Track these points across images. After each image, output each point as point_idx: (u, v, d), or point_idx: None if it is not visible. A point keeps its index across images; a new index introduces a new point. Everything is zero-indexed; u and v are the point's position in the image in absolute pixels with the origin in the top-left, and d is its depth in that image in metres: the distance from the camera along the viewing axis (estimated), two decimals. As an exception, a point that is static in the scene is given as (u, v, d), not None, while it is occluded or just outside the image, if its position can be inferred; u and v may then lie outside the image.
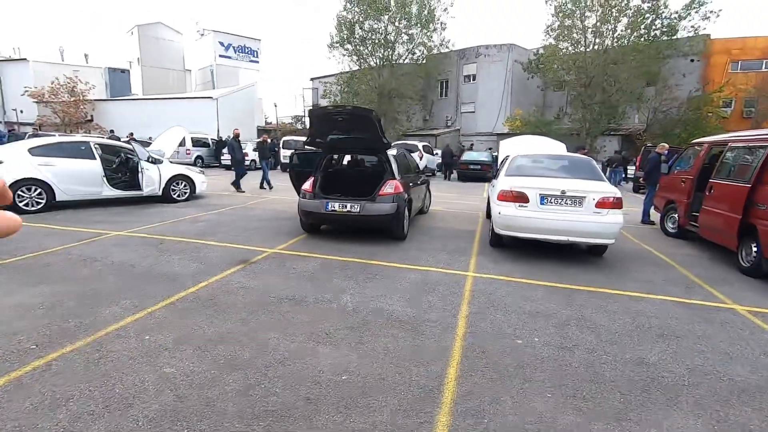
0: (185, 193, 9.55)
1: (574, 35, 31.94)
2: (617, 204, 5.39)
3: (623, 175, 23.45)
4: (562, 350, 3.28)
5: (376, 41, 32.00)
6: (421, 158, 16.57)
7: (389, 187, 6.14)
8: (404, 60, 33.92)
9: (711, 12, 29.95)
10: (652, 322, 3.91)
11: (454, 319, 3.76)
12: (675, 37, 30.65)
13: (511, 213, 5.58)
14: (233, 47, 53.80)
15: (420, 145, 17.56)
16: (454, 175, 22.50)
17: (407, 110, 33.99)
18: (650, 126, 33.68)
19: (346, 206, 6.03)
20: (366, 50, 32.74)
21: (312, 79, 45.23)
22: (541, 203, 5.48)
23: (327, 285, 4.50)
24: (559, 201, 5.44)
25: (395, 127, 34.30)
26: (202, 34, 52.76)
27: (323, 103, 42.95)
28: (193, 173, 9.74)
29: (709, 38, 33.13)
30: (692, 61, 33.76)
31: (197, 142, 22.88)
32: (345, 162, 8.02)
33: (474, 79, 37.32)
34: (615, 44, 30.98)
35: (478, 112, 37.43)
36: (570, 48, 32.19)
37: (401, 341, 3.30)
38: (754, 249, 5.36)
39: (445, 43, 34.56)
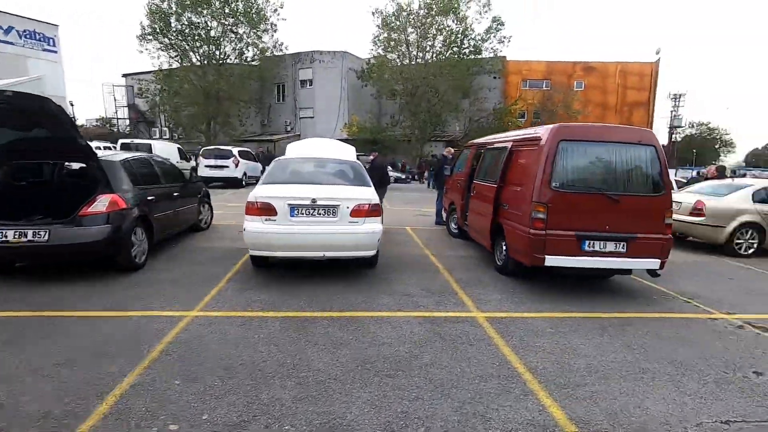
0: None
1: (401, 48, 33.73)
2: (374, 212, 4.85)
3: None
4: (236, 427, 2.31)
5: (198, 36, 28.71)
6: (236, 165, 14.91)
7: (100, 204, 4.56)
8: (233, 60, 31.32)
9: (504, 37, 34.58)
10: (383, 352, 3.29)
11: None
12: (480, 56, 34.83)
13: (257, 228, 4.58)
14: (17, 31, 42.94)
15: (235, 150, 15.81)
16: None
17: (240, 113, 31.45)
18: (468, 134, 37.76)
19: (25, 234, 4.23)
20: (186, 45, 29.13)
21: (125, 76, 38.79)
22: (292, 215, 4.62)
23: None
24: (311, 211, 4.65)
25: (228, 132, 31.47)
26: (-34, 11, 40.77)
27: (140, 103, 37.20)
28: None
29: (506, 59, 38.77)
30: (495, 78, 38.92)
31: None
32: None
33: (311, 84, 36.71)
34: (434, 59, 33.73)
35: (317, 118, 36.93)
36: (398, 59, 33.94)
37: None
38: (504, 248, 5.41)
39: (279, 45, 33.12)
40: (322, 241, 4.63)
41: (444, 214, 8.89)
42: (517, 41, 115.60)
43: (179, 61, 29.41)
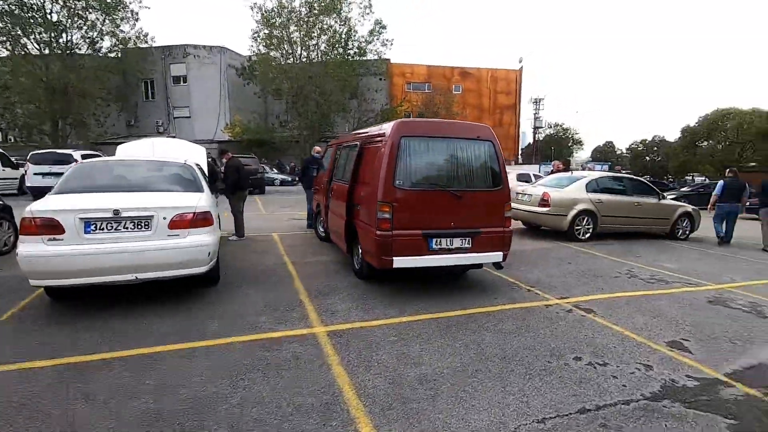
0: None
1: (285, 47, 32.47)
2: (202, 221, 4.14)
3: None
4: None
5: (33, 20, 24.06)
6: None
7: None
8: (85, 50, 26.97)
9: (387, 40, 35.30)
10: (182, 397, 2.65)
11: None
12: (365, 58, 35.16)
13: (37, 252, 3.56)
14: None
15: (78, 154, 13.38)
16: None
17: (96, 112, 27.21)
18: (357, 133, 37.87)
19: None
20: (19, 30, 24.24)
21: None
22: (87, 231, 3.69)
23: None
24: (114, 225, 3.77)
25: (83, 133, 27.03)
26: None
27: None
28: None
29: (390, 62, 39.83)
30: (380, 79, 39.72)
31: None
32: None
33: (185, 81, 33.44)
34: (320, 58, 33.14)
35: (195, 118, 33.81)
36: (281, 58, 32.61)
37: None
38: (360, 251, 5.11)
39: (143, 36, 29.44)
40: (131, 261, 3.78)
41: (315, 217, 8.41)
42: (402, 45, 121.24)
43: (9, 48, 24.39)
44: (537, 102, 44.96)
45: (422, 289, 4.95)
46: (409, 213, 4.43)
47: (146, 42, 29.79)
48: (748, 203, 15.40)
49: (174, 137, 32.99)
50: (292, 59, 32.84)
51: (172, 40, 37.09)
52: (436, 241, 4.53)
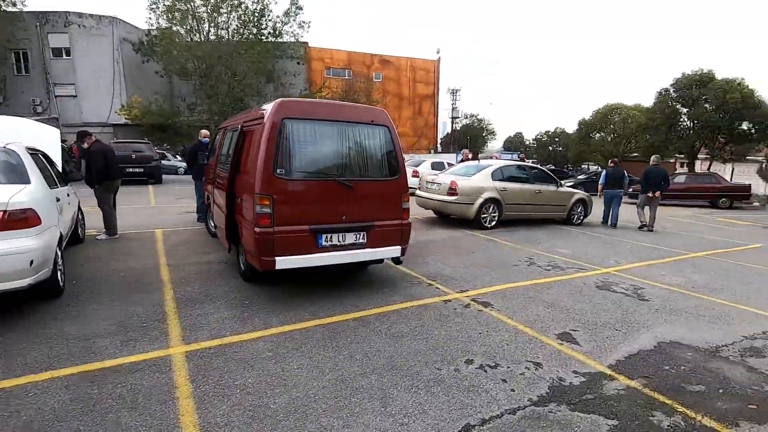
0: None
1: (190, 21, 29.53)
2: (17, 221, 3.21)
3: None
4: None
5: None
6: None
7: None
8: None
9: (304, 22, 33.82)
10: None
11: None
12: (281, 40, 33.31)
13: None
14: None
15: None
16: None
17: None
18: (275, 119, 36.01)
19: None
20: None
21: None
22: None
23: None
24: None
25: (-72, 111, 22.23)
26: None
27: None
28: None
29: (308, 46, 38.29)
30: (298, 63, 38.08)
31: None
32: None
33: (68, 54, 29.05)
34: (231, 37, 30.70)
35: (82, 97, 29.60)
36: (186, 34, 29.65)
37: None
38: (243, 249, 4.45)
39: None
40: None
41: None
42: (322, 28, 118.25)
43: None
44: (454, 93, 46.46)
45: (315, 290, 4.46)
46: (293, 206, 3.88)
47: (13, 4, 25.30)
48: (630, 189, 17.20)
49: (56, 118, 28.66)
50: (198, 36, 30.05)
51: (49, 5, 31.80)
52: (326, 237, 4.04)
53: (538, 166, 10.58)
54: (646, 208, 9.77)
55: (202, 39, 30.07)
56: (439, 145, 54.46)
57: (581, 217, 10.03)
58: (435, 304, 4.25)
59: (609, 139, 30.33)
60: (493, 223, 8.63)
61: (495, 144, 54.98)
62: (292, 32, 33.90)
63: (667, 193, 16.87)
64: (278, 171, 3.80)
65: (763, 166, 24.06)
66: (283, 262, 3.84)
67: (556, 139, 44.52)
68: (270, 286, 4.50)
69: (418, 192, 9.27)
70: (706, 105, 20.26)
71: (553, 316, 4.06)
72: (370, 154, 4.32)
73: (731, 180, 18.71)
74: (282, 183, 3.81)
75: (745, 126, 19.95)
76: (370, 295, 4.42)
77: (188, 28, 29.68)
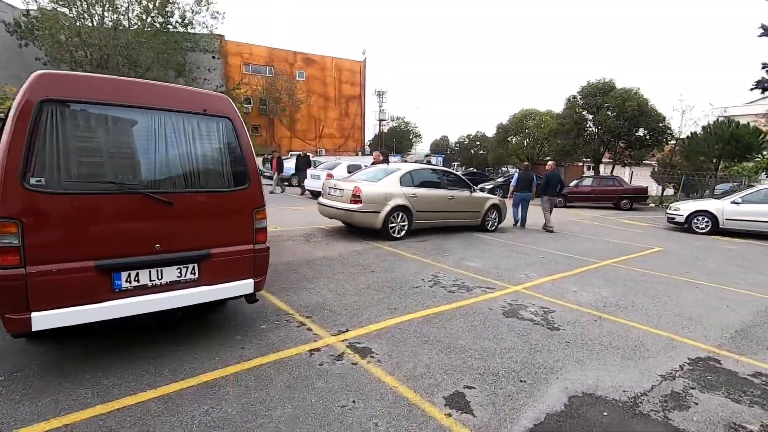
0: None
1: (80, 4, 25.74)
2: None
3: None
4: None
5: None
6: None
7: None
8: None
9: (217, 12, 31.24)
10: None
11: None
12: (192, 30, 30.39)
13: None
14: None
15: None
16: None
17: None
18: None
19: None
20: None
21: None
22: None
23: None
24: None
25: None
26: None
27: None
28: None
29: (224, 39, 35.53)
30: (214, 57, 35.15)
31: None
32: None
33: None
34: (133, 24, 27.30)
35: (-63, 84, 24.50)
36: (75, 18, 25.82)
37: None
38: None
39: None
40: None
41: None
42: (241, 24, 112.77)
43: None
44: (380, 94, 46.09)
45: (128, 344, 3.14)
46: (63, 233, 2.56)
47: None
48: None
49: None
50: (90, 21, 26.34)
51: None
52: (129, 277, 2.76)
53: (450, 170, 9.97)
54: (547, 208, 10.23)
55: (94, 24, 26.41)
56: (367, 147, 53.90)
57: (496, 223, 9.57)
58: (295, 359, 3.14)
59: (525, 143, 31.58)
60: (403, 233, 7.77)
61: (422, 147, 55.68)
62: (204, 23, 31.10)
63: (576, 196, 17.67)
64: (33, 181, 2.45)
65: (656, 169, 26.35)
66: (45, 320, 2.49)
67: (477, 143, 45.96)
68: (61, 345, 3.10)
69: (320, 199, 8.15)
70: (608, 112, 21.56)
71: (447, 365, 3.15)
72: (203, 157, 3.11)
73: (630, 183, 19.99)
74: (39, 199, 2.47)
75: (641, 132, 21.55)
76: (207, 348, 3.20)
77: (78, 10, 25.89)
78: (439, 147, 53.28)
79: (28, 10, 25.74)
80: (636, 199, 17.47)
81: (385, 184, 7.67)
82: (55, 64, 27.50)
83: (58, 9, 25.67)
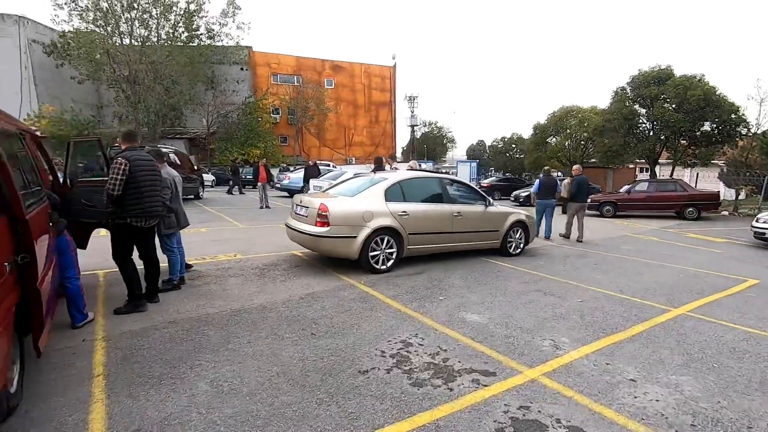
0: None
1: (111, 21, 26.09)
2: None
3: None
4: None
5: None
6: None
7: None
8: None
9: (243, 23, 30.89)
10: None
11: None
12: (218, 42, 30.20)
13: None
14: None
15: None
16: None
17: None
18: (217, 130, 32.70)
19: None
20: None
21: None
22: None
23: None
24: None
25: None
26: None
27: None
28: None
29: (252, 50, 35.23)
30: (242, 69, 34.96)
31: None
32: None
33: (-37, 58, 25.03)
34: (163, 41, 27.37)
35: (-18, 106, 25.52)
36: (107, 36, 26.16)
37: None
38: None
39: None
40: None
41: None
42: (267, 34, 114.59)
43: None
44: (411, 99, 44.15)
45: None
46: None
47: None
48: (589, 200, 15.02)
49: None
50: (119, 38, 26.59)
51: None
52: None
53: (457, 178, 7.87)
54: (574, 218, 9.30)
55: (122, 41, 26.62)
56: (400, 155, 52.14)
57: (521, 245, 7.37)
58: None
59: (566, 144, 28.41)
60: (390, 262, 5.82)
61: (457, 152, 53.02)
62: (230, 34, 30.81)
63: (629, 204, 14.83)
64: None
65: (724, 170, 22.50)
66: None
67: (513, 146, 42.65)
68: None
69: (287, 221, 6.37)
70: (666, 104, 18.36)
71: None
72: None
73: (696, 186, 16.73)
74: None
75: (707, 126, 18.14)
76: None
77: (108, 29, 26.18)
78: (476, 152, 50.46)
79: (64, 31, 26.33)
80: (705, 206, 14.35)
81: (363, 198, 5.77)
82: (93, 80, 28.00)
83: (92, 28, 26.06)
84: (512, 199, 19.56)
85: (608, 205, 14.75)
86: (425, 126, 48.33)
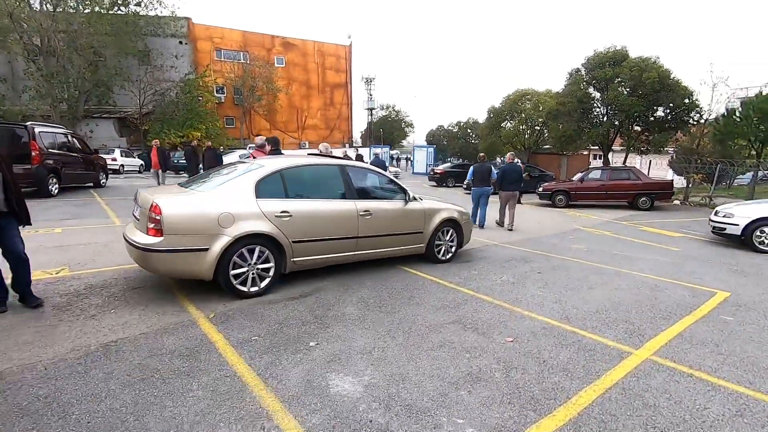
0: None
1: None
2: None
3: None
4: None
5: None
6: None
7: None
8: None
9: (178, -9, 27.58)
10: None
11: None
12: (153, 13, 26.89)
13: None
14: None
15: None
16: None
17: None
18: (152, 109, 29.47)
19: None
20: None
21: None
22: None
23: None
24: None
25: None
26: None
27: None
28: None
29: (192, 21, 31.90)
30: (180, 43, 31.65)
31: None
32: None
33: None
34: (80, 7, 23.89)
35: None
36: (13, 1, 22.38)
37: None
38: None
39: None
40: None
41: None
42: (209, 4, 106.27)
43: None
44: (369, 81, 42.01)
45: None
46: None
47: None
48: (541, 189, 14.08)
49: None
50: (26, 2, 22.91)
51: None
52: None
53: (368, 165, 6.24)
54: (506, 207, 9.02)
55: (30, 6, 23.00)
56: (359, 139, 50.13)
57: (452, 249, 5.93)
58: None
59: (521, 129, 27.47)
60: (265, 282, 4.19)
61: (416, 137, 51.58)
62: (163, 2, 27.52)
63: (581, 193, 13.91)
64: None
65: (674, 156, 22.31)
66: None
67: (469, 131, 41.47)
68: None
69: (125, 229, 4.53)
70: (621, 87, 17.53)
71: None
72: None
73: (649, 174, 16.08)
74: None
75: (661, 112, 17.52)
76: None
77: (14, -9, 22.40)
78: (435, 137, 49.24)
79: (-44, -9, 22.26)
80: (659, 195, 13.61)
81: (221, 195, 4.07)
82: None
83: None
84: (465, 186, 18.35)
85: (561, 194, 13.73)
86: (383, 109, 46.51)
